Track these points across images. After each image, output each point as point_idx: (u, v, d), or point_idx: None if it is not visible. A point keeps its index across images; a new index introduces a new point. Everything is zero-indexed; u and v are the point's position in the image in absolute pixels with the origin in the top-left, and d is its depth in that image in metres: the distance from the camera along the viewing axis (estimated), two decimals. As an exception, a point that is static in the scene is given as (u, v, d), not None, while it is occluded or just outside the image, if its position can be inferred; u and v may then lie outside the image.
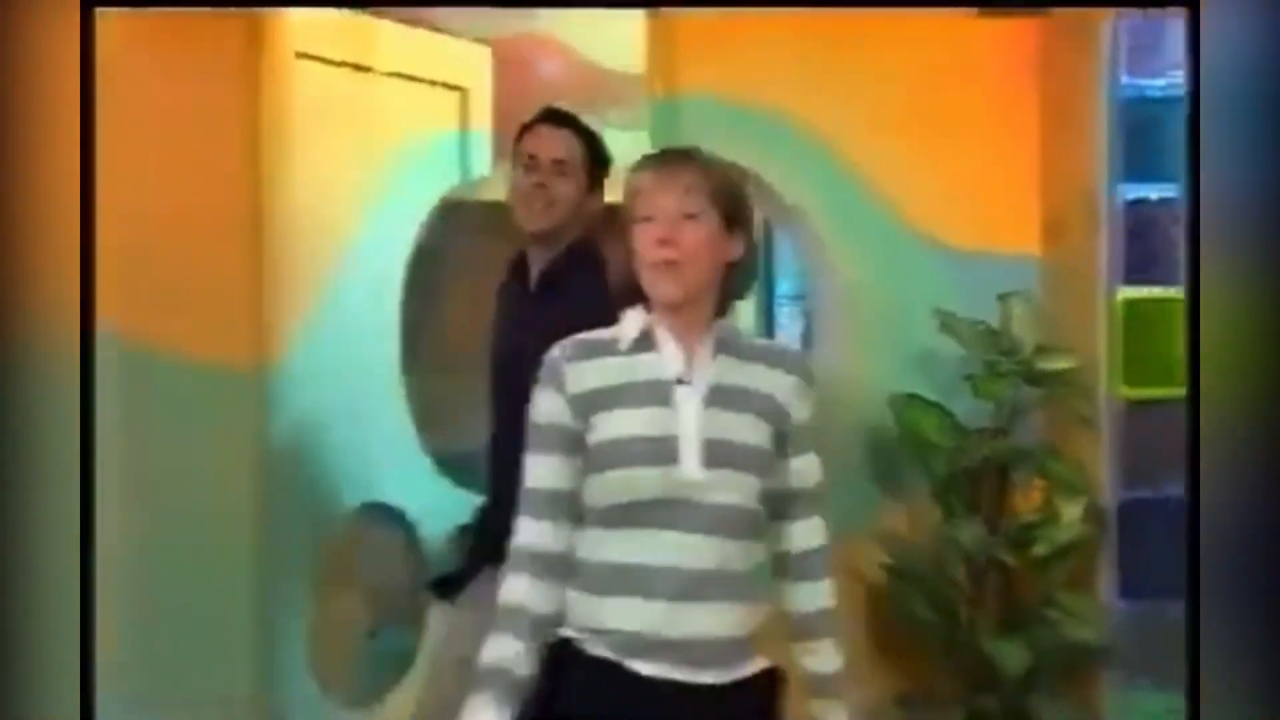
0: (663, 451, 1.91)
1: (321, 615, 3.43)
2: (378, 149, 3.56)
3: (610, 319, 2.58)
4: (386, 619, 3.73)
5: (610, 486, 1.91)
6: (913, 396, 3.21)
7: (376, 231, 3.59)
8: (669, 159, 2.00)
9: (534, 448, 1.97)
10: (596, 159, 2.81)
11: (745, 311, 4.71)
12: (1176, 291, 3.23)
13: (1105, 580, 3.19)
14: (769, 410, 1.99)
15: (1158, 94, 3.25)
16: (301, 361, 3.38)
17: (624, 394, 1.95)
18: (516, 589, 1.93)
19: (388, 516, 3.61)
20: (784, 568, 2.09)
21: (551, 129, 2.78)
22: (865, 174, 3.39)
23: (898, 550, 3.17)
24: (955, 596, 3.13)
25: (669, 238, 1.90)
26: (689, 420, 1.93)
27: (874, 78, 3.30)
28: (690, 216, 1.91)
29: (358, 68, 3.56)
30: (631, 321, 2.00)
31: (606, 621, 1.91)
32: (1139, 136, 3.25)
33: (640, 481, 1.90)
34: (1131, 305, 3.25)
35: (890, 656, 3.25)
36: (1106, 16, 3.26)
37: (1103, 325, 3.25)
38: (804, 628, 2.08)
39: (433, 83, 3.81)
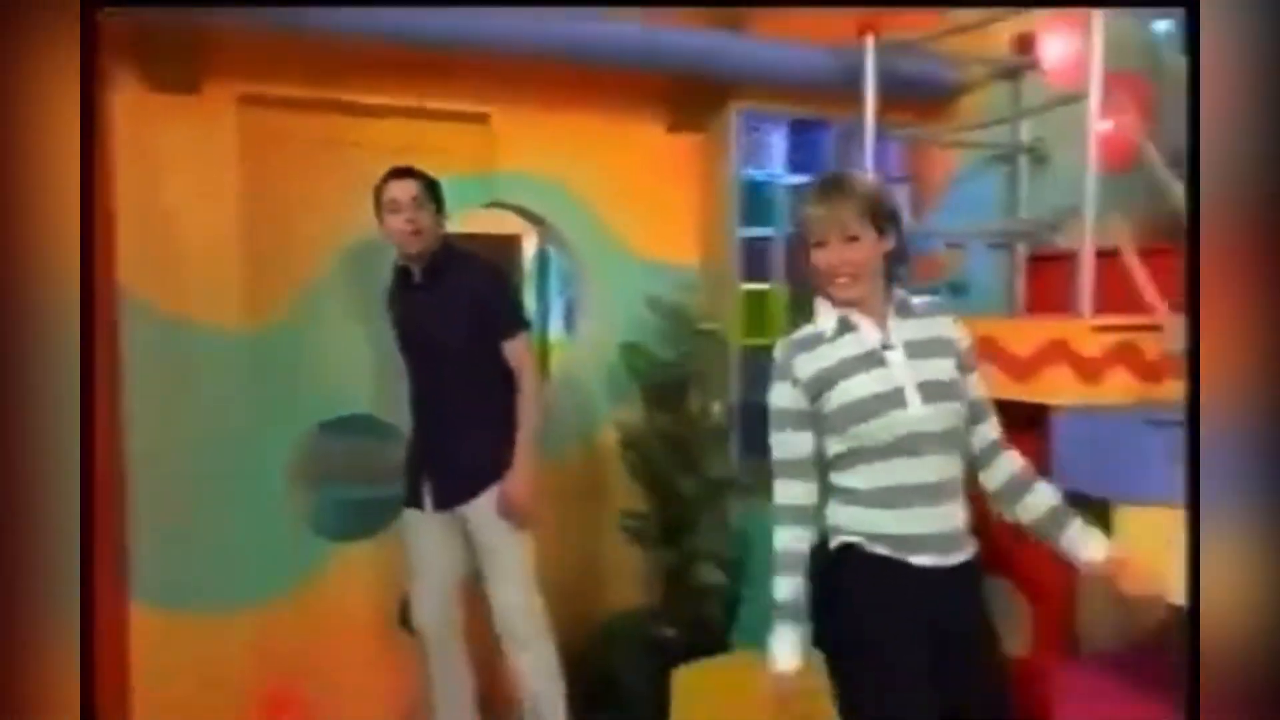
0: (894, 401, 2.00)
1: (292, 490, 3.67)
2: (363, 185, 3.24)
3: (478, 294, 2.97)
4: (329, 479, 3.97)
5: (863, 436, 2.01)
6: (632, 344, 3.86)
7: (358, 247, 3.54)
8: (830, 194, 2.00)
9: (777, 427, 2.08)
10: (436, 194, 3.03)
11: (528, 302, 5.29)
12: (769, 286, 4.27)
13: (734, 444, 4.00)
14: (947, 349, 2.09)
15: (761, 178, 4.52)
16: (295, 322, 3.56)
17: (845, 368, 2.03)
18: (783, 537, 2.07)
19: (360, 423, 3.69)
20: (980, 458, 2.16)
21: (402, 180, 2.99)
22: (605, 218, 4.01)
23: (625, 431, 3.87)
24: (653, 455, 3.84)
25: (840, 260, 2.00)
26: (903, 373, 2.01)
27: (611, 161, 3.92)
28: (853, 239, 1.99)
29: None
30: (827, 314, 2.07)
31: (881, 528, 2.02)
32: (749, 201, 4.20)
33: (886, 427, 1.99)
34: (747, 294, 4.22)
35: (617, 489, 3.94)
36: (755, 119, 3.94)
37: (732, 305, 4.06)
38: (1014, 490, 2.15)
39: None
